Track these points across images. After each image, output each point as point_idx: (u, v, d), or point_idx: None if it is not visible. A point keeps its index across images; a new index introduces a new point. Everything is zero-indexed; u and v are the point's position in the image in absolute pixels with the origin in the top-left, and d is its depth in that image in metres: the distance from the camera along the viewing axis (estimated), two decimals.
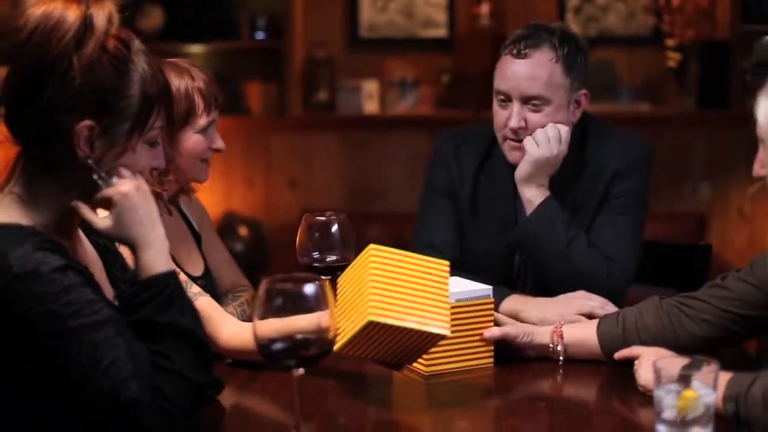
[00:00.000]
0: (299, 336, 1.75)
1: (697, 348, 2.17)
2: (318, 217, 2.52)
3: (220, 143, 2.56)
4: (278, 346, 1.75)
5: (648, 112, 5.73)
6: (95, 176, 1.79)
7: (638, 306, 2.39)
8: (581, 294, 2.63)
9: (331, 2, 5.96)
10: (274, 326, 1.74)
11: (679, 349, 2.16)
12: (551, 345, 2.38)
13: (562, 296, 2.65)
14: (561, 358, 2.37)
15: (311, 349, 1.76)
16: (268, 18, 5.86)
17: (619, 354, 2.29)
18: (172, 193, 2.54)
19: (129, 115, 1.79)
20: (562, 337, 2.38)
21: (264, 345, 1.76)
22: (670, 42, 5.58)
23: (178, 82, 2.46)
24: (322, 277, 2.50)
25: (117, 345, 1.70)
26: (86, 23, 1.74)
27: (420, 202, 3.00)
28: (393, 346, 2.13)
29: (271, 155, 5.95)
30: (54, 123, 1.75)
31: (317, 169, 5.94)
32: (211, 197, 5.91)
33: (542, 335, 2.39)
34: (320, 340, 1.75)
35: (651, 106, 5.77)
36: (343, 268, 2.52)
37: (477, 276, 2.51)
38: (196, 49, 5.98)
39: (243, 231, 5.79)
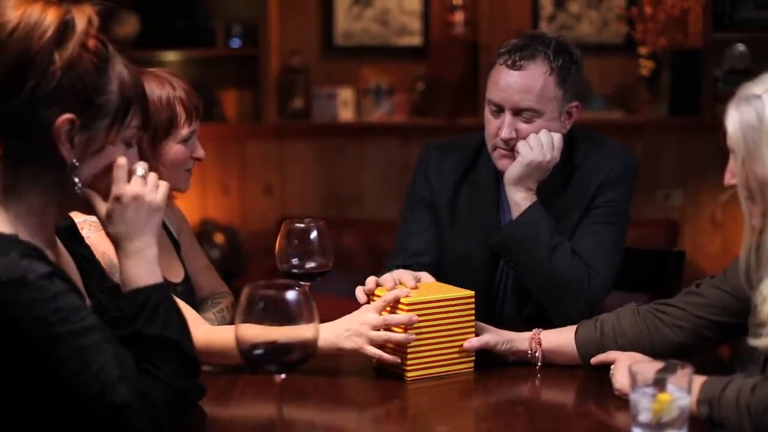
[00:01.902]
0: (281, 341, 1.77)
1: (671, 353, 2.20)
2: (297, 224, 2.54)
3: (200, 152, 2.58)
4: (260, 351, 1.77)
5: (620, 120, 5.77)
6: (76, 180, 1.81)
7: (615, 312, 2.42)
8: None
9: (306, 10, 5.99)
10: (255, 332, 1.77)
11: (654, 354, 2.20)
12: (530, 351, 2.41)
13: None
14: (539, 363, 2.40)
15: (293, 354, 1.78)
16: (243, 26, 5.88)
17: (596, 359, 2.33)
18: None
19: (108, 111, 1.82)
20: (540, 344, 2.41)
21: (246, 350, 1.78)
22: (642, 50, 5.63)
23: (159, 92, 2.48)
24: (302, 283, 2.56)
25: (105, 350, 1.72)
26: (66, 23, 1.78)
27: (401, 212, 3.02)
28: None
29: (246, 162, 5.97)
30: (35, 117, 1.77)
31: (292, 176, 5.96)
32: (186, 204, 5.87)
33: (521, 342, 2.42)
34: (302, 345, 1.78)
35: (623, 113, 5.81)
36: (322, 275, 2.56)
37: (458, 283, 2.54)
38: (171, 56, 5.99)
39: (219, 238, 5.80)
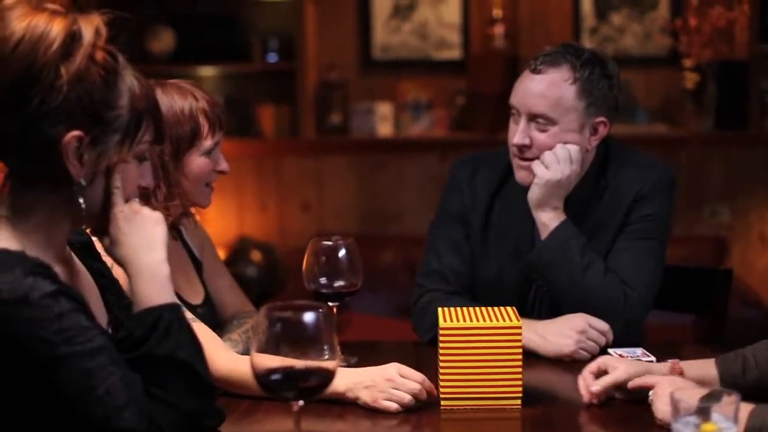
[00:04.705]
0: (299, 366, 1.67)
1: None
2: (325, 242, 2.47)
3: (224, 165, 2.50)
4: (276, 376, 1.68)
5: (665, 134, 5.67)
6: (80, 200, 1.74)
7: (754, 345, 2.25)
8: (580, 315, 2.57)
9: (343, 24, 5.93)
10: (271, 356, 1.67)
11: None
12: None
13: (560, 318, 2.59)
14: None
15: (311, 380, 1.68)
16: (280, 40, 5.82)
17: (634, 383, 2.18)
18: (175, 217, 2.48)
19: (118, 126, 1.76)
20: (682, 372, 2.19)
21: (262, 375, 1.68)
22: (687, 62, 5.52)
23: (182, 103, 2.41)
24: (330, 303, 2.48)
25: (111, 373, 1.65)
26: (73, 35, 1.70)
27: (430, 226, 2.93)
28: None
29: (283, 179, 5.91)
30: (42, 134, 1.70)
31: (330, 192, 5.90)
32: (223, 221, 5.91)
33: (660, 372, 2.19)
34: (321, 370, 1.68)
35: (668, 127, 5.72)
36: (351, 294, 2.47)
37: (489, 304, 2.44)
38: (207, 71, 5.96)
39: (256, 256, 5.73)
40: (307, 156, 5.89)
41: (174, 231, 2.54)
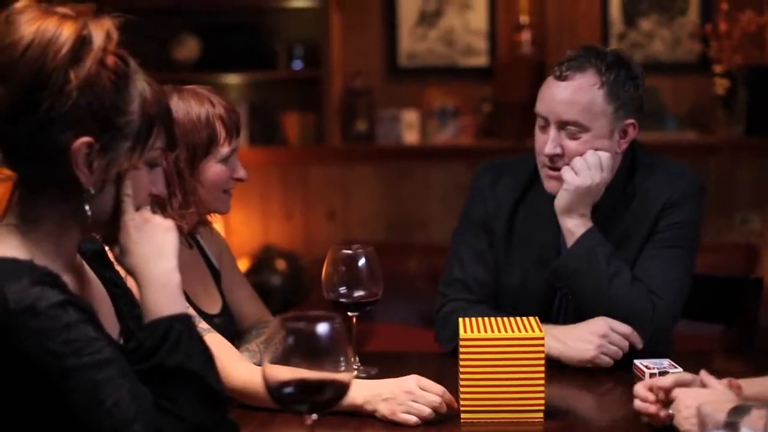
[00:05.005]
0: (312, 379, 1.62)
1: None
2: (344, 250, 2.44)
3: (241, 172, 2.45)
4: (289, 389, 1.63)
5: (695, 141, 5.59)
6: (86, 207, 1.70)
7: None
8: (602, 318, 2.52)
9: (369, 31, 5.88)
10: (284, 368, 1.62)
11: None
12: None
13: (582, 323, 2.54)
14: None
15: (325, 393, 1.63)
16: (305, 47, 5.78)
17: (658, 383, 2.08)
18: (191, 226, 2.44)
19: (129, 132, 1.72)
20: (740, 390, 2.07)
21: (274, 388, 1.63)
22: (717, 68, 5.43)
23: (198, 110, 2.37)
24: (349, 313, 2.43)
25: (120, 385, 1.62)
26: (83, 39, 1.67)
27: (453, 234, 2.88)
28: None
29: (309, 187, 5.87)
30: (51, 140, 1.67)
31: (356, 200, 5.85)
32: (248, 230, 5.88)
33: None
34: (335, 383, 1.63)
35: (698, 134, 5.63)
36: (371, 303, 2.43)
37: (513, 312, 2.38)
38: (232, 79, 5.93)
39: (280, 264, 5.70)
40: (333, 164, 5.85)
41: (191, 239, 2.51)
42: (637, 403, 2.07)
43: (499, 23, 5.79)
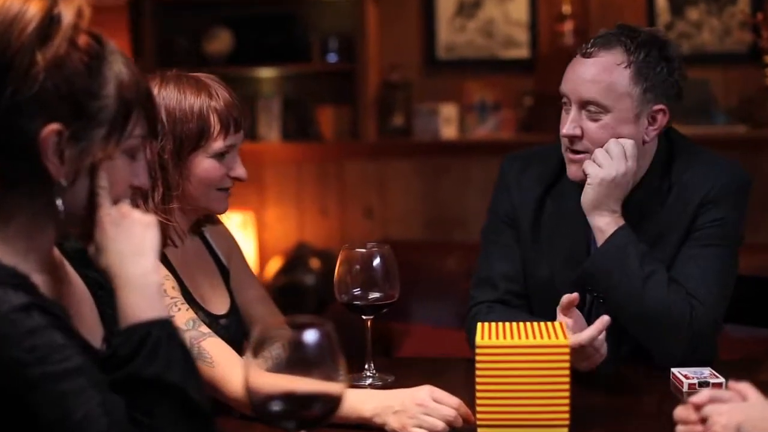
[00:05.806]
0: (299, 392, 1.46)
1: None
2: (358, 249, 2.30)
3: (240, 171, 2.29)
4: (275, 404, 1.47)
5: (745, 134, 5.39)
6: (59, 202, 1.56)
7: None
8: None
9: (406, 23, 5.74)
10: (269, 381, 1.46)
11: None
12: None
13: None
14: None
15: (314, 408, 1.47)
16: (340, 40, 5.65)
17: (696, 399, 1.88)
18: (190, 223, 2.30)
19: (103, 119, 1.58)
20: None
21: (258, 402, 1.47)
22: None
23: (192, 100, 2.22)
24: (364, 316, 2.28)
25: (91, 396, 1.48)
26: (51, 16, 1.54)
27: (482, 230, 2.72)
28: None
29: (345, 183, 5.75)
30: (17, 128, 1.53)
31: (393, 196, 5.72)
32: (283, 227, 5.77)
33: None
34: (325, 397, 1.47)
35: (748, 128, 5.44)
36: (387, 306, 2.28)
37: (540, 311, 2.20)
38: (266, 72, 5.84)
39: (314, 263, 5.57)
40: (369, 159, 5.72)
41: (195, 235, 2.38)
42: (680, 429, 1.86)
43: (540, 13, 5.64)
